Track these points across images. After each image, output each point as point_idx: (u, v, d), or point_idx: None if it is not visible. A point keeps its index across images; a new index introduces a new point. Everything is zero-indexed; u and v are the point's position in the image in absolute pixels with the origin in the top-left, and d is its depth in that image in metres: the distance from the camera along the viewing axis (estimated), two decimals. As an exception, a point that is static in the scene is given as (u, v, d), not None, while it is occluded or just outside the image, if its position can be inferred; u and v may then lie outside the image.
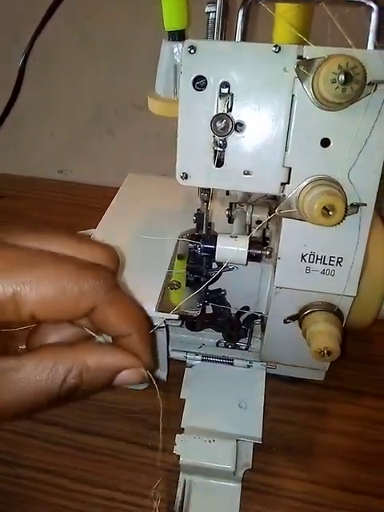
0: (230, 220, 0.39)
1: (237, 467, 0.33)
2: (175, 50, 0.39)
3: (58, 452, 0.36)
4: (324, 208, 0.28)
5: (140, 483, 0.34)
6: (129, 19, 0.57)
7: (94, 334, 0.24)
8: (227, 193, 0.43)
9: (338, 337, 0.32)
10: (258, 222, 0.38)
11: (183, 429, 0.35)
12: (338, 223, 0.29)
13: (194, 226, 0.39)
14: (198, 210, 0.36)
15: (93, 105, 0.64)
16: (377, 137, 0.29)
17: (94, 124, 0.65)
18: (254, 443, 0.35)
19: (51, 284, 0.20)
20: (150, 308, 0.33)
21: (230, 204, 0.39)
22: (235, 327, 0.38)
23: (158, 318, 0.33)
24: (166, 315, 0.32)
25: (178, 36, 0.38)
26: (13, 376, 0.19)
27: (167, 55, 0.41)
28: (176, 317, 0.32)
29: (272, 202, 0.40)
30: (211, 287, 0.37)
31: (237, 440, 0.34)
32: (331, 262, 0.32)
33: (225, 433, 0.34)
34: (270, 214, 0.39)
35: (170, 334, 0.41)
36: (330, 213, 0.28)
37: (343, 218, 0.29)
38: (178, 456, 0.33)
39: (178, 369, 0.40)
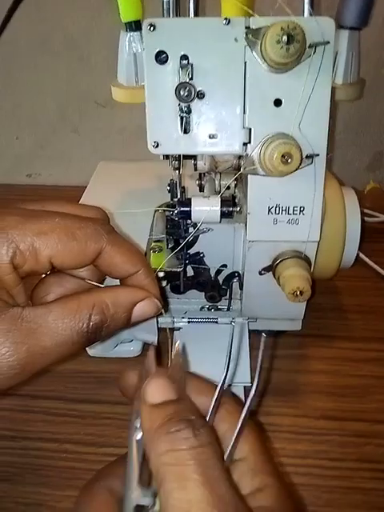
0: (201, 189, 0.42)
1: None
2: (133, 39, 0.42)
3: (60, 422, 0.37)
4: (282, 156, 0.31)
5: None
6: (85, 18, 0.60)
7: (97, 284, 0.26)
8: (195, 168, 0.46)
9: (308, 278, 0.36)
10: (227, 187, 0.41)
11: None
12: (296, 170, 0.32)
13: (168, 200, 0.42)
14: (171, 179, 0.39)
15: (56, 106, 0.66)
16: (320, 93, 0.33)
17: (58, 125, 0.67)
18: (245, 387, 0.37)
19: (62, 231, 0.23)
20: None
21: (199, 174, 0.42)
22: (216, 286, 0.41)
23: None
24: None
25: (135, 26, 0.41)
26: (44, 321, 0.21)
27: (126, 45, 0.44)
28: (161, 275, 0.35)
29: (237, 172, 0.43)
30: (190, 251, 0.40)
31: (229, 385, 0.36)
32: (295, 212, 0.36)
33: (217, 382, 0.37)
34: (238, 179, 0.42)
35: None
36: (288, 160, 0.31)
37: (299, 166, 0.32)
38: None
39: (166, 337, 0.42)
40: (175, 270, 0.35)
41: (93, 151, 0.69)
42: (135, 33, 0.42)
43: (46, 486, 0.34)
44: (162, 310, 0.25)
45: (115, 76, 0.45)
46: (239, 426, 0.21)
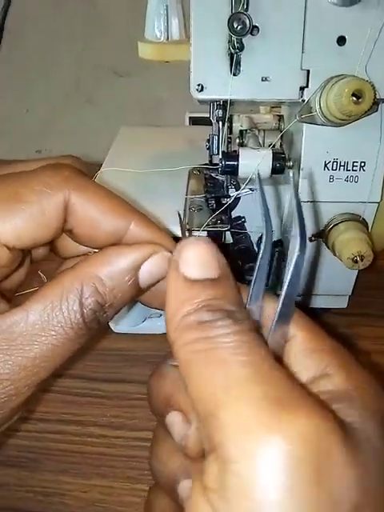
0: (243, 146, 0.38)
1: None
2: (167, -14, 0.38)
3: (83, 403, 0.33)
4: (353, 95, 0.27)
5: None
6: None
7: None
8: (230, 131, 0.42)
9: (369, 241, 0.32)
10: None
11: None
12: (364, 114, 0.28)
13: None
14: (210, 134, 0.35)
15: (69, 76, 0.62)
16: (391, 30, 0.29)
17: (71, 96, 0.63)
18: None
19: (6, 193, 0.17)
20: (176, 230, 0.31)
21: (240, 131, 0.38)
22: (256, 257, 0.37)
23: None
24: (195, 233, 0.30)
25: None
26: (23, 326, 0.16)
27: (157, -4, 0.40)
28: (205, 234, 0.31)
29: (281, 131, 0.39)
30: (231, 214, 0.36)
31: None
32: (354, 168, 0.32)
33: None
34: (281, 139, 0.38)
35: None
36: (360, 99, 0.27)
37: (370, 109, 0.28)
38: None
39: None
40: (221, 229, 0.31)
41: (107, 126, 0.65)
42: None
43: (68, 473, 0.29)
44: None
45: (142, 34, 0.42)
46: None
